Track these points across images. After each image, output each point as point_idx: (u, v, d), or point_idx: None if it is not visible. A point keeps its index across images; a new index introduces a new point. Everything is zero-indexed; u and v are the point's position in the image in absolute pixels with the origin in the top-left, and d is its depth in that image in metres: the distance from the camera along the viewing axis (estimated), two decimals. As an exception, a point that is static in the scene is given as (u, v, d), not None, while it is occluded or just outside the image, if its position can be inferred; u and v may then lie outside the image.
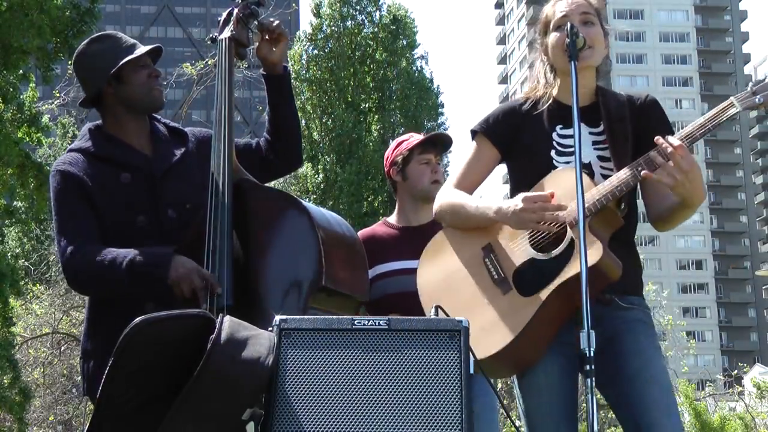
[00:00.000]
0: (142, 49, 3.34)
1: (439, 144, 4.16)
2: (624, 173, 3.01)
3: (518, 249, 3.09)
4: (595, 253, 2.91)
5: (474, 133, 3.31)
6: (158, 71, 3.38)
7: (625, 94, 3.31)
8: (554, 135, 3.20)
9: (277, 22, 3.36)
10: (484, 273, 3.12)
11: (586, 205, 2.95)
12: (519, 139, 3.24)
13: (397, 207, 4.20)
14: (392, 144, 4.25)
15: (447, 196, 3.28)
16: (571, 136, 3.11)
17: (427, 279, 3.25)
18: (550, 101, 3.25)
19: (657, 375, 3.02)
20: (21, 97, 12.46)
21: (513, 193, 3.19)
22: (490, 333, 3.00)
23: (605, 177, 3.10)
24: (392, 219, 4.19)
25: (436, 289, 3.19)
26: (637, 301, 3.16)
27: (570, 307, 2.96)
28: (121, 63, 3.27)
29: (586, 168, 3.09)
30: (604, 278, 2.97)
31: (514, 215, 3.02)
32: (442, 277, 3.20)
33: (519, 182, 3.22)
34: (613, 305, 3.10)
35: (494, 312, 3.05)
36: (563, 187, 3.02)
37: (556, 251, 3.00)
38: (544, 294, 2.97)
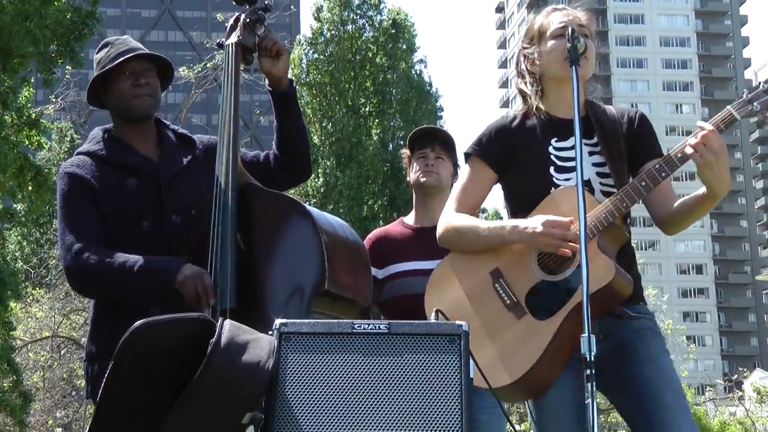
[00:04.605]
0: (122, 57, 3.30)
1: (435, 137, 4.15)
2: (627, 189, 3.01)
3: (527, 272, 3.07)
4: (607, 273, 2.92)
5: (468, 156, 3.29)
6: (144, 80, 3.31)
7: (613, 109, 3.29)
8: (550, 149, 3.18)
9: (274, 38, 3.36)
10: (496, 299, 3.10)
11: (593, 224, 2.96)
12: (514, 156, 3.21)
13: (413, 208, 4.23)
14: None
15: (450, 220, 3.24)
16: (569, 149, 3.12)
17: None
18: (540, 114, 3.22)
19: (671, 381, 3.03)
20: (18, 97, 12.44)
21: (511, 209, 3.19)
22: (508, 360, 2.99)
23: (605, 194, 3.10)
24: (409, 219, 4.22)
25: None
26: (644, 310, 3.18)
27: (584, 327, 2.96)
28: (97, 73, 3.30)
29: (586, 185, 3.06)
30: (616, 296, 2.99)
31: (531, 238, 3.01)
32: (452, 306, 3.12)
33: (517, 200, 3.21)
34: (623, 316, 3.10)
35: (511, 338, 3.03)
36: (570, 206, 2.98)
37: (567, 272, 3.00)
38: (560, 317, 2.96)
